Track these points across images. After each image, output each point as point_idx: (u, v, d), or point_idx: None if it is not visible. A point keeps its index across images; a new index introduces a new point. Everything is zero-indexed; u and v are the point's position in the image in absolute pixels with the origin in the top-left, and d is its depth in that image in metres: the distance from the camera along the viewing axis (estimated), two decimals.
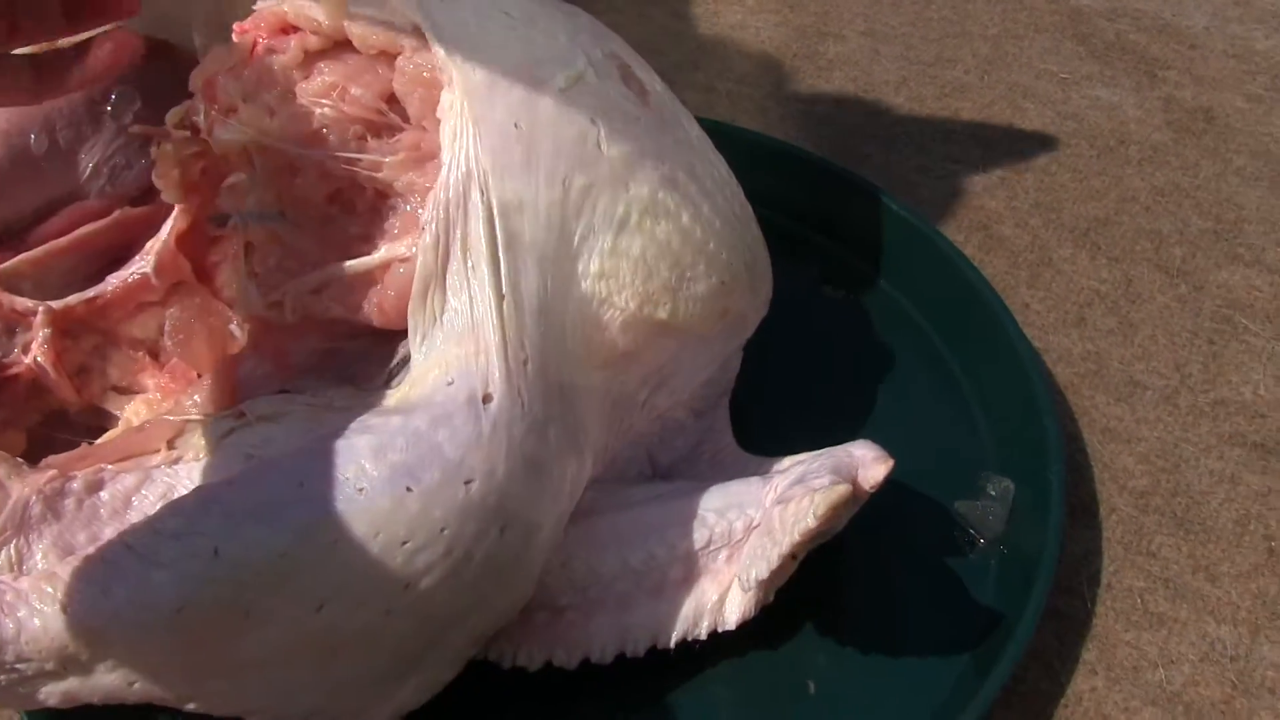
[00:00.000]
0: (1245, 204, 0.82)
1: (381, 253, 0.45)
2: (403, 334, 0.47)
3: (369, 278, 0.46)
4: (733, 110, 0.88)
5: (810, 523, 0.44)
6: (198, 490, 0.41)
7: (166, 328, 0.52)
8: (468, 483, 0.41)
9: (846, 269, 0.72)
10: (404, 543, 0.40)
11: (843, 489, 0.44)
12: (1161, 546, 0.60)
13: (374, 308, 0.46)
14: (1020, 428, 0.61)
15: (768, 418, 0.61)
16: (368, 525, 0.40)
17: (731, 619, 0.49)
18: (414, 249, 0.45)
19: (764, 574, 0.46)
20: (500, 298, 0.43)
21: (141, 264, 0.51)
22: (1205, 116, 0.90)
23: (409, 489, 0.40)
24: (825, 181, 0.74)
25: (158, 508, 0.44)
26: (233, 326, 0.52)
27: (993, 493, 0.59)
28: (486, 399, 0.42)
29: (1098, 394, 0.68)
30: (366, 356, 0.49)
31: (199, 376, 0.52)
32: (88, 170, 0.58)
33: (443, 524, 0.41)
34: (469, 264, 0.44)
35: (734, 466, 0.56)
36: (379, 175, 0.45)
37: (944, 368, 0.67)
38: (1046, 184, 0.83)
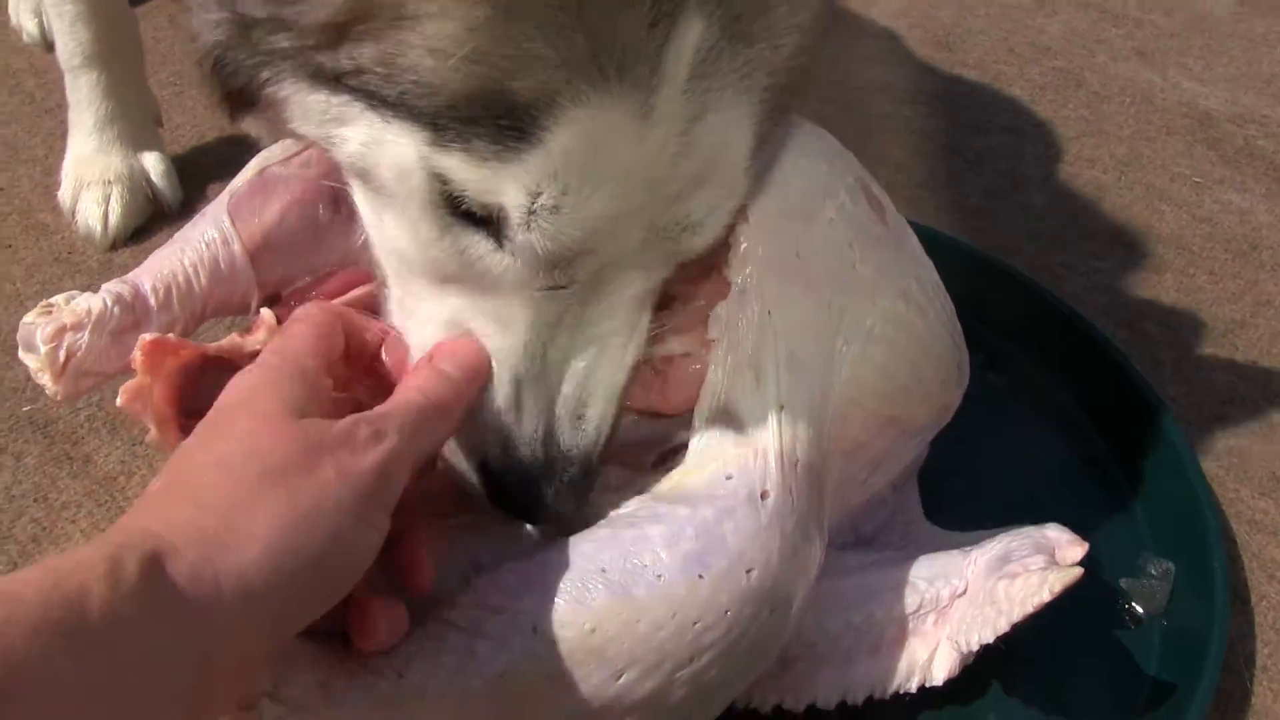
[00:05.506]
0: None
1: (669, 345, 0.52)
2: (668, 418, 0.54)
3: (654, 366, 0.53)
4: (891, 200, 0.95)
5: (1045, 598, 0.50)
6: (513, 569, 0.48)
7: None
8: (749, 571, 0.47)
9: (1008, 357, 0.79)
10: (695, 623, 0.47)
11: (1076, 572, 0.51)
12: None
13: (658, 396, 0.53)
14: (1177, 515, 0.67)
15: (945, 496, 0.67)
16: (666, 607, 0.46)
17: (939, 676, 0.55)
18: (695, 347, 0.51)
19: (988, 639, 0.52)
20: (780, 408, 0.50)
21: None
22: None
23: (700, 576, 0.47)
24: (990, 274, 0.81)
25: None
26: None
27: (1154, 573, 0.65)
28: (764, 495, 0.49)
29: (1242, 487, 0.74)
30: (634, 437, 0.55)
31: None
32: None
33: (727, 607, 0.47)
34: (753, 377, 0.50)
35: (925, 537, 0.63)
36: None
37: (1099, 454, 0.73)
38: (1185, 285, 0.89)
